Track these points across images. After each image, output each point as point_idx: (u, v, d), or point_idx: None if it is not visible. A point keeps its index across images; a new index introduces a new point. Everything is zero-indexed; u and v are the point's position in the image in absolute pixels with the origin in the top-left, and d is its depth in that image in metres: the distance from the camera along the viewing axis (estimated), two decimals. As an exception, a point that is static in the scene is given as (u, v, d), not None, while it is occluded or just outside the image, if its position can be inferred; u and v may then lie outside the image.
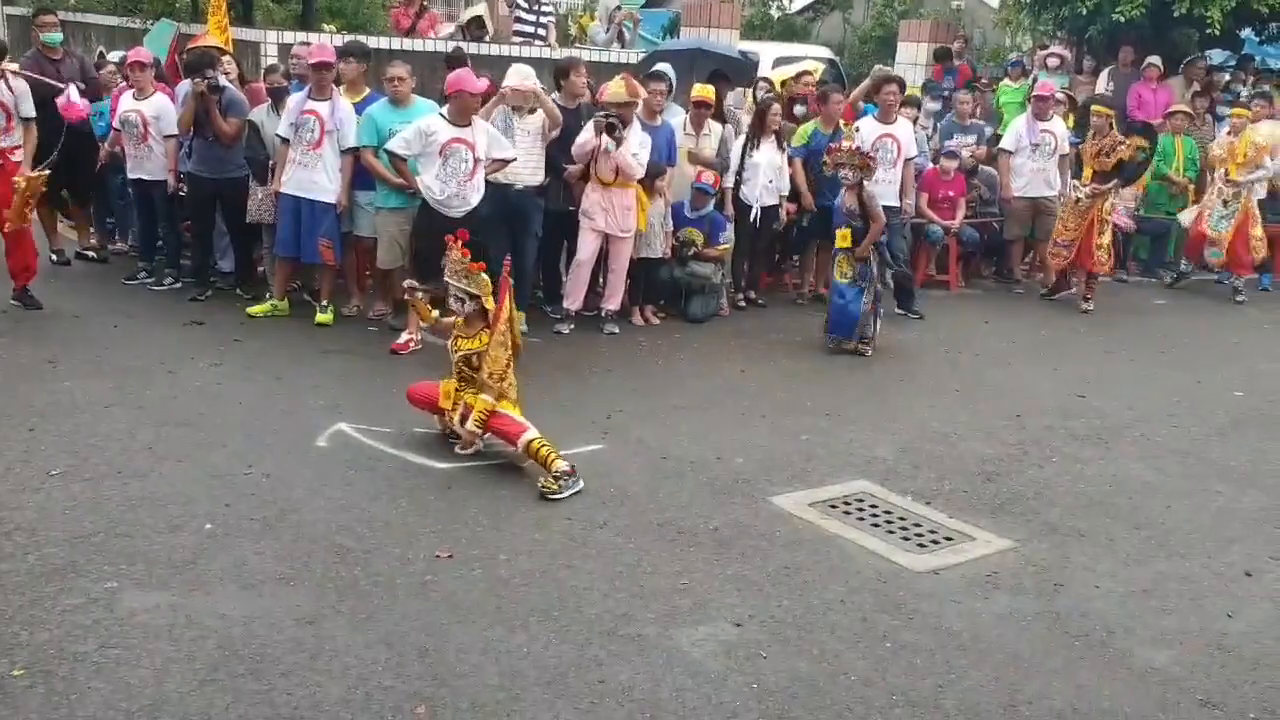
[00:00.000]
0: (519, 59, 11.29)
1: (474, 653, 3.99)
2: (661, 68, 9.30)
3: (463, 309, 5.78)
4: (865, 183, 8.18)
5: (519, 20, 13.04)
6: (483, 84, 7.49)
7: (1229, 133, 10.80)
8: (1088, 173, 9.86)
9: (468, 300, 5.75)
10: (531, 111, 8.08)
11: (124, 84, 9.07)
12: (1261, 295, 11.22)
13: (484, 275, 5.72)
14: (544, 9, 13.09)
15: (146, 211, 9.06)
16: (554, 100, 8.39)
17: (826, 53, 18.00)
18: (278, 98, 8.16)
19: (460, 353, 5.80)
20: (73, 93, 8.69)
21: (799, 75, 11.40)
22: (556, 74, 8.73)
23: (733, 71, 10.98)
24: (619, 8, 13.50)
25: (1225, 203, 10.62)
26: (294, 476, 5.43)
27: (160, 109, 8.63)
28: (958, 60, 14.24)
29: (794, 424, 6.63)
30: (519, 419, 5.67)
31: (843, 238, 8.19)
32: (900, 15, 19.55)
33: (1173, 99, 12.41)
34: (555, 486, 5.35)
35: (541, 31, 12.91)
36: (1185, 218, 11.10)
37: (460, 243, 5.76)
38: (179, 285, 8.91)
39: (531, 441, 5.52)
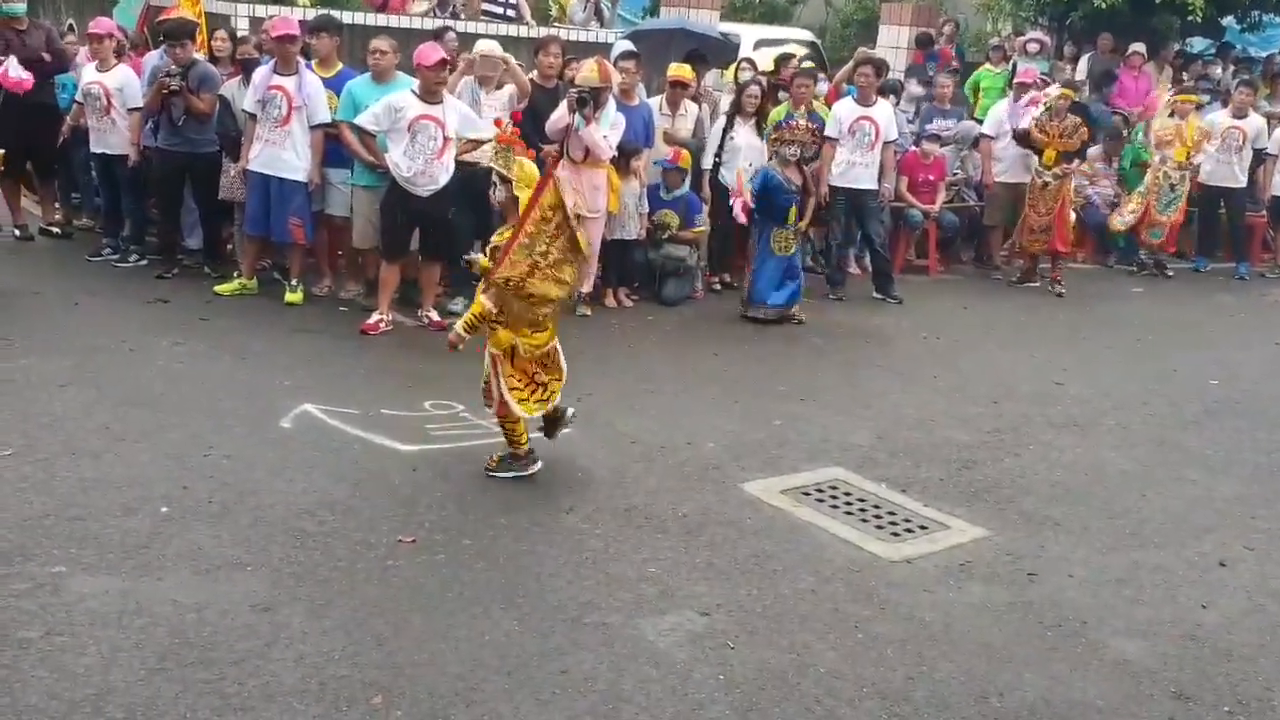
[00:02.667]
0: (496, 37, 11.15)
1: (434, 640, 3.88)
2: (625, 45, 9.19)
3: (494, 195, 5.22)
4: (810, 159, 8.50)
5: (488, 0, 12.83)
6: (437, 54, 7.29)
7: (1172, 114, 10.78)
8: (1050, 154, 9.83)
9: (498, 185, 5.18)
10: (499, 86, 7.94)
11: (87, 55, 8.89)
12: (1238, 284, 11.20)
13: (525, 161, 5.05)
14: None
15: (110, 187, 8.86)
16: (531, 79, 8.28)
17: (808, 35, 17.88)
18: (248, 70, 7.97)
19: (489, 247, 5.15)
20: (11, 64, 8.49)
21: (785, 59, 11.30)
22: (535, 51, 8.61)
23: (712, 52, 10.87)
24: (594, -15, 13.33)
25: (1173, 186, 10.70)
26: (255, 458, 5.30)
27: (124, 81, 8.44)
28: (944, 44, 14.17)
29: (767, 409, 6.54)
30: (506, 390, 5.08)
31: (794, 215, 8.36)
32: (882, -2, 19.41)
33: (1153, 85, 12.37)
34: (495, 465, 5.26)
35: (511, 12, 12.71)
36: (1117, 222, 11.06)
37: (511, 122, 5.26)
38: (144, 262, 8.73)
39: (505, 412, 5.17)
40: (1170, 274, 11.09)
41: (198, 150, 8.28)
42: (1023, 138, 10.05)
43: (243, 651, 3.73)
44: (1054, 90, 10.31)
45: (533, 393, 5.24)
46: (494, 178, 5.24)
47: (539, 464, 5.30)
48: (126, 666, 3.60)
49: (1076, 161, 10.03)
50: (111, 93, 8.43)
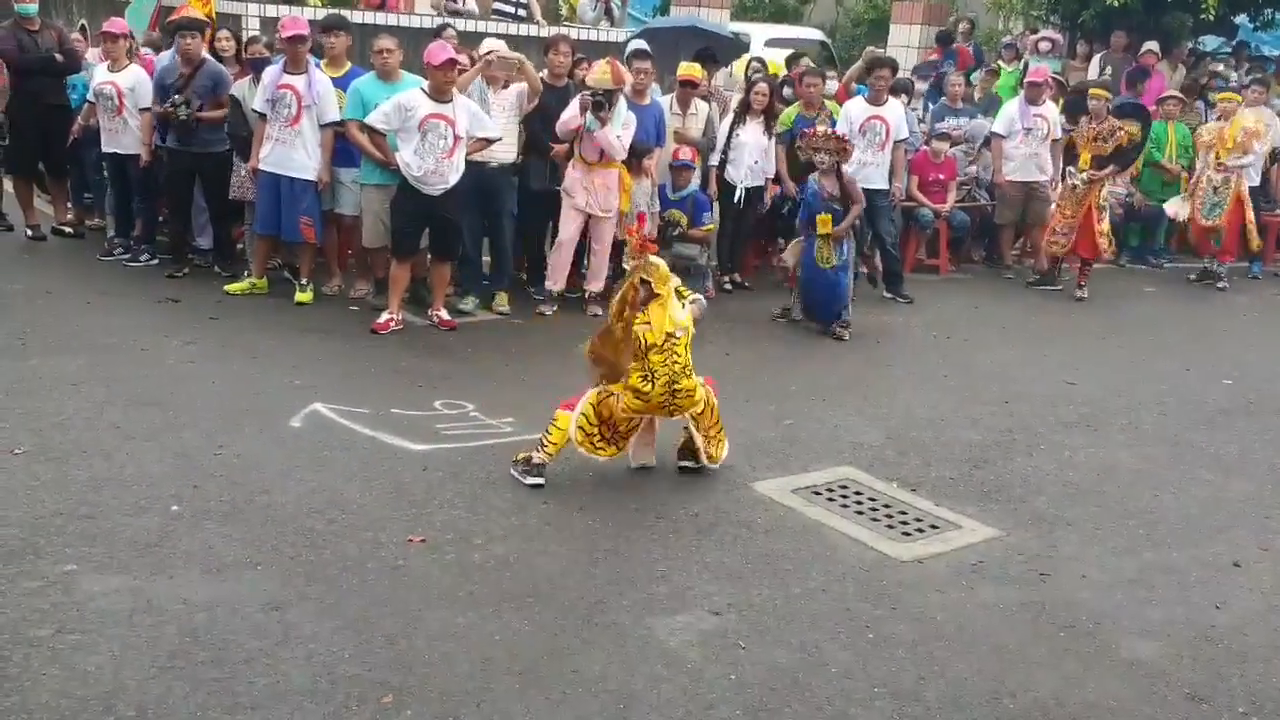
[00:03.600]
0: (505, 36, 11.15)
1: (444, 640, 3.87)
2: (638, 43, 9.17)
3: (638, 296, 5.30)
4: (843, 165, 8.14)
5: (499, -1, 12.84)
6: (446, 54, 7.28)
7: (1218, 118, 10.69)
8: (1085, 158, 9.74)
9: (640, 288, 5.27)
10: (505, 85, 7.94)
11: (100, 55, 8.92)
12: (1251, 283, 11.15)
13: (659, 261, 5.21)
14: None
15: (122, 186, 8.88)
16: (540, 78, 8.29)
17: (818, 34, 17.88)
18: (259, 70, 7.98)
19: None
20: None
21: (795, 58, 11.29)
22: (545, 50, 8.61)
23: (722, 51, 10.86)
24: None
25: (1215, 189, 10.51)
26: (265, 458, 5.30)
27: (136, 81, 8.47)
28: (960, 43, 14.13)
29: (778, 408, 6.52)
30: (584, 408, 5.25)
31: (823, 223, 8.08)
32: (893, -2, 19.39)
33: (1165, 85, 12.31)
34: (517, 459, 5.26)
35: (522, 11, 12.72)
36: (1170, 208, 10.96)
37: (640, 230, 5.45)
38: (155, 262, 8.76)
39: (559, 422, 5.25)
40: (1224, 286, 10.71)
41: (208, 150, 8.32)
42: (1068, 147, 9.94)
43: (253, 650, 3.73)
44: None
45: (600, 437, 5.28)
46: (636, 282, 5.29)
47: (540, 483, 5.18)
48: (137, 665, 3.60)
49: (1111, 168, 9.77)
50: (124, 93, 8.45)
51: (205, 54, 8.38)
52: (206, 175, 8.42)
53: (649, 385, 5.15)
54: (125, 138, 8.57)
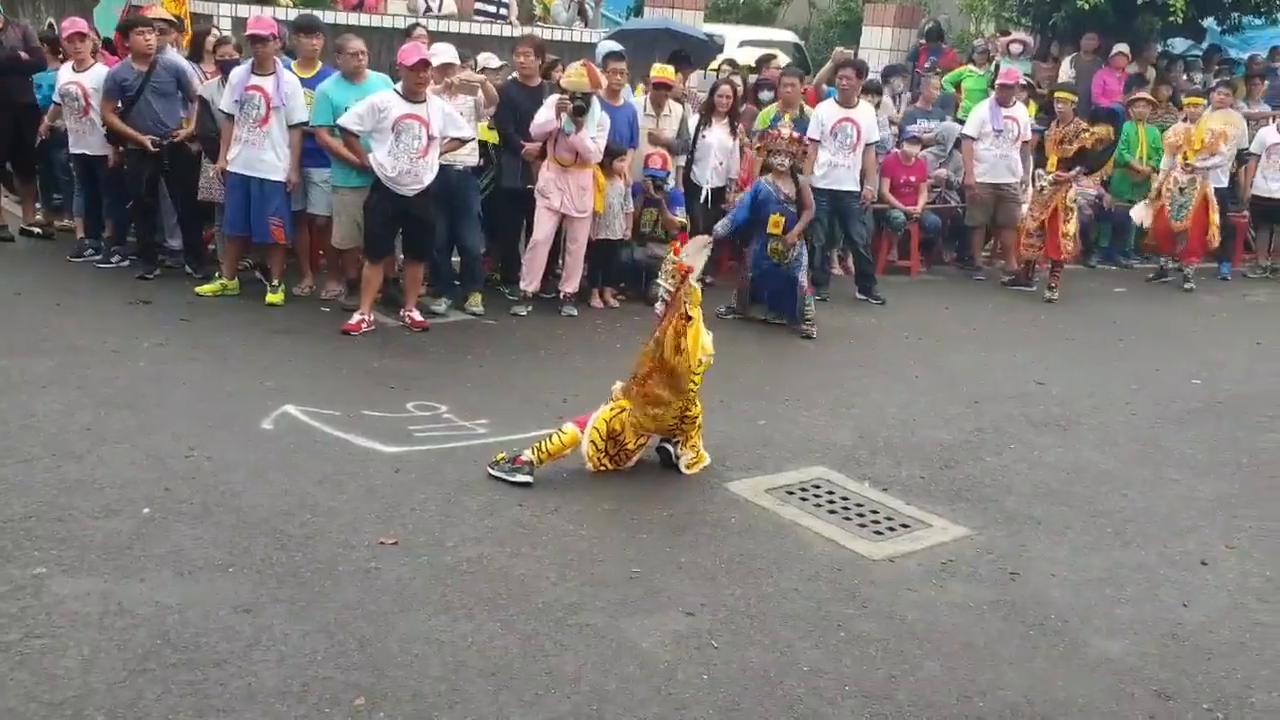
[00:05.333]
0: (480, 37, 11.14)
1: (417, 642, 3.87)
2: (610, 45, 9.19)
3: (663, 309, 5.34)
4: (799, 171, 8.26)
5: (481, -1, 12.85)
6: (418, 54, 7.25)
7: (1184, 120, 10.80)
8: (1053, 160, 9.82)
9: (668, 300, 5.30)
10: (470, 92, 7.95)
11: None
12: (1220, 284, 11.27)
13: (692, 280, 5.18)
14: (506, -13, 12.90)
15: (90, 187, 8.81)
16: (513, 79, 8.31)
17: (792, 36, 17.95)
18: (227, 71, 7.93)
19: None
20: None
21: (767, 59, 11.33)
22: (512, 51, 8.65)
23: (696, 53, 10.90)
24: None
25: (1181, 190, 10.62)
26: (237, 460, 5.27)
27: (101, 81, 8.37)
28: (944, 44, 14.24)
29: (752, 409, 6.55)
30: (596, 424, 5.34)
31: (774, 224, 8.19)
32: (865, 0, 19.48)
33: (1136, 86, 12.42)
34: (498, 460, 5.27)
35: (504, 10, 12.73)
36: (1136, 214, 11.06)
37: (678, 243, 5.46)
38: (126, 263, 8.70)
39: (564, 436, 5.29)
40: (1191, 286, 10.81)
41: (174, 150, 8.20)
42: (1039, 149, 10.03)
43: (224, 653, 3.71)
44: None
45: (607, 451, 5.36)
46: (663, 294, 5.35)
47: (529, 480, 5.19)
48: (107, 668, 3.58)
49: (1077, 169, 9.86)
50: (89, 93, 8.38)
51: (174, 50, 8.30)
52: (173, 175, 8.33)
53: (677, 403, 5.28)
54: (92, 138, 8.50)
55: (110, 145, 8.42)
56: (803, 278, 8.31)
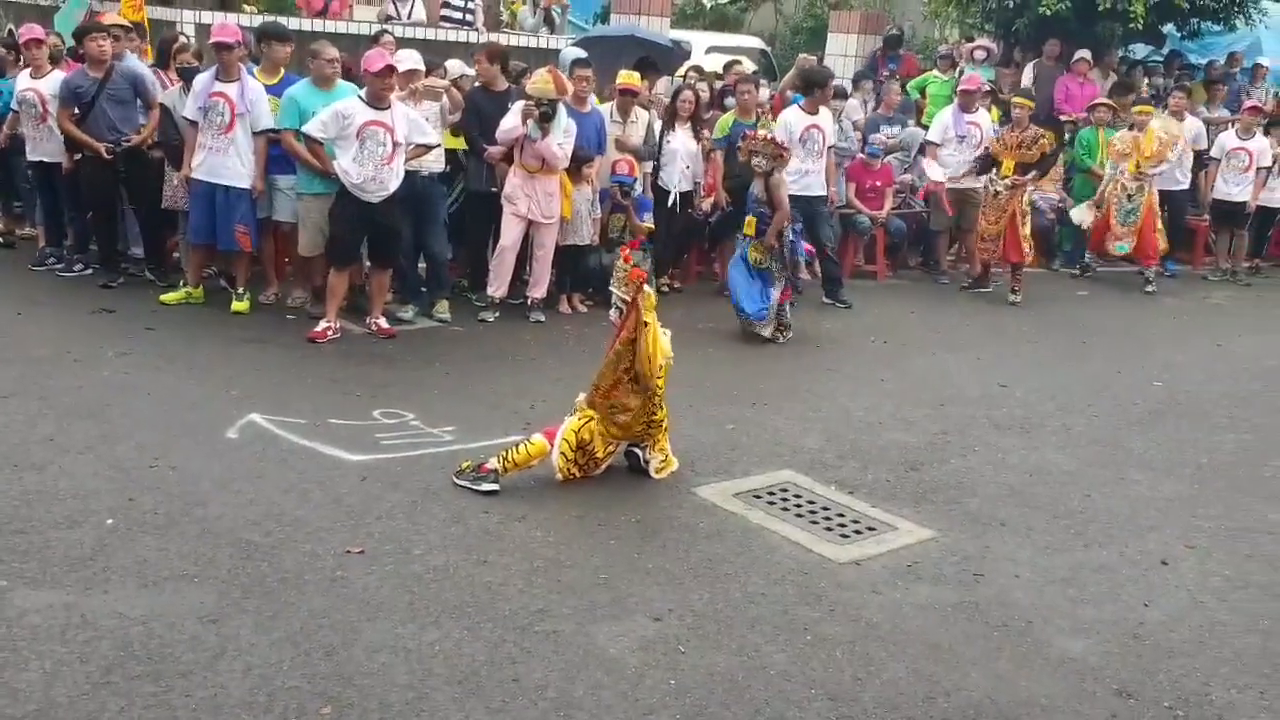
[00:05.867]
0: (447, 44, 11.14)
1: (383, 651, 3.86)
2: (573, 52, 9.22)
3: (618, 317, 5.39)
4: (776, 172, 8.23)
5: (446, 5, 12.85)
6: (382, 60, 7.24)
7: (1130, 127, 10.95)
8: (1007, 166, 9.92)
9: (623, 308, 5.34)
10: (435, 98, 7.95)
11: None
12: (1180, 287, 11.43)
13: (646, 287, 5.24)
14: (471, -7, 12.91)
15: (49, 195, 8.73)
16: (477, 85, 8.32)
17: (758, 43, 18.03)
18: (188, 79, 7.89)
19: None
20: None
21: (731, 66, 11.37)
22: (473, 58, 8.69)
23: (663, 60, 10.93)
24: (542, -11, 13.42)
25: (1130, 196, 10.79)
26: (202, 470, 5.24)
27: (59, 87, 8.29)
28: (903, 50, 14.35)
29: (720, 413, 6.58)
30: (565, 435, 5.31)
31: (748, 225, 8.26)
32: (831, 6, 19.61)
33: (1098, 92, 12.57)
34: (463, 468, 5.27)
35: (470, 17, 12.74)
36: (1076, 215, 11.22)
37: (629, 250, 5.51)
38: (89, 271, 8.62)
39: (532, 447, 5.28)
40: (1152, 289, 11.00)
41: (134, 156, 8.13)
42: (985, 164, 10.08)
43: (190, 664, 3.69)
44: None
45: (577, 461, 5.36)
46: (616, 302, 5.41)
47: (495, 489, 5.18)
48: (70, 681, 3.55)
49: (1033, 174, 10.00)
50: (47, 99, 8.29)
51: (135, 57, 8.24)
52: (132, 183, 8.26)
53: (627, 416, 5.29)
54: (50, 145, 8.42)
55: (66, 152, 8.34)
56: (775, 292, 8.25)
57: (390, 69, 7.21)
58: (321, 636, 3.92)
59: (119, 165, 8.08)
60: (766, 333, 8.26)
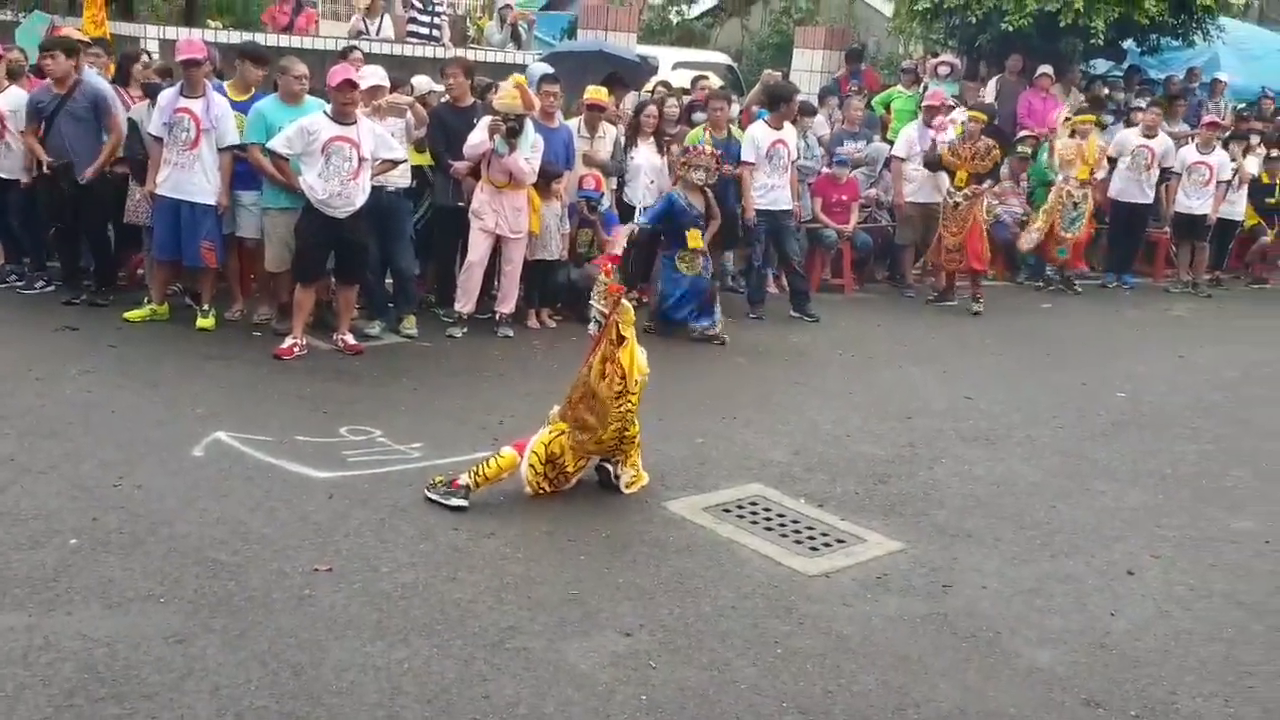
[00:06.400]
0: (415, 59, 11.13)
1: (352, 670, 3.83)
2: (541, 68, 9.25)
3: (597, 331, 5.40)
4: (709, 187, 8.59)
5: (413, 21, 12.86)
6: (343, 74, 7.23)
7: (1072, 135, 11.14)
8: (961, 177, 10.03)
9: (602, 322, 5.37)
10: (399, 115, 7.94)
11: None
12: (1142, 299, 11.58)
13: (625, 301, 5.27)
14: (438, 9, 12.92)
15: (7, 212, 8.60)
16: (444, 100, 8.32)
17: (725, 58, 18.10)
18: (152, 94, 7.83)
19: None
20: None
21: (697, 81, 11.42)
22: (441, 73, 8.69)
23: (630, 75, 10.96)
24: (507, 6, 13.44)
25: (1075, 204, 11.03)
26: (167, 488, 5.19)
27: (17, 103, 8.20)
28: (864, 64, 14.47)
29: (689, 427, 6.58)
30: (535, 448, 5.30)
31: (694, 238, 8.51)
32: (796, 22, 19.74)
33: (1060, 106, 12.73)
34: (435, 482, 5.26)
35: (436, 33, 12.75)
36: (1024, 244, 11.38)
37: (610, 264, 5.57)
38: (51, 289, 8.52)
39: (502, 460, 5.27)
40: (1079, 290, 11.37)
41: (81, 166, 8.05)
42: (933, 163, 10.23)
43: (155, 685, 3.65)
44: (959, 114, 10.58)
45: (546, 475, 5.35)
46: (595, 315, 5.46)
47: (464, 505, 5.16)
48: (32, 705, 3.50)
49: (988, 183, 10.20)
50: (5, 115, 8.21)
51: (96, 72, 8.17)
52: (88, 198, 8.14)
53: (605, 431, 5.26)
54: (7, 161, 8.33)
55: (25, 169, 8.25)
56: (708, 285, 8.63)
57: (349, 83, 7.18)
58: (289, 655, 3.88)
59: (61, 182, 7.95)
60: (716, 330, 8.58)
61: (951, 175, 10.09)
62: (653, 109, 9.42)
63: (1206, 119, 12.49)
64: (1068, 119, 11.81)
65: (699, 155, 8.53)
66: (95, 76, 8.27)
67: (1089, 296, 11.37)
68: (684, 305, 8.58)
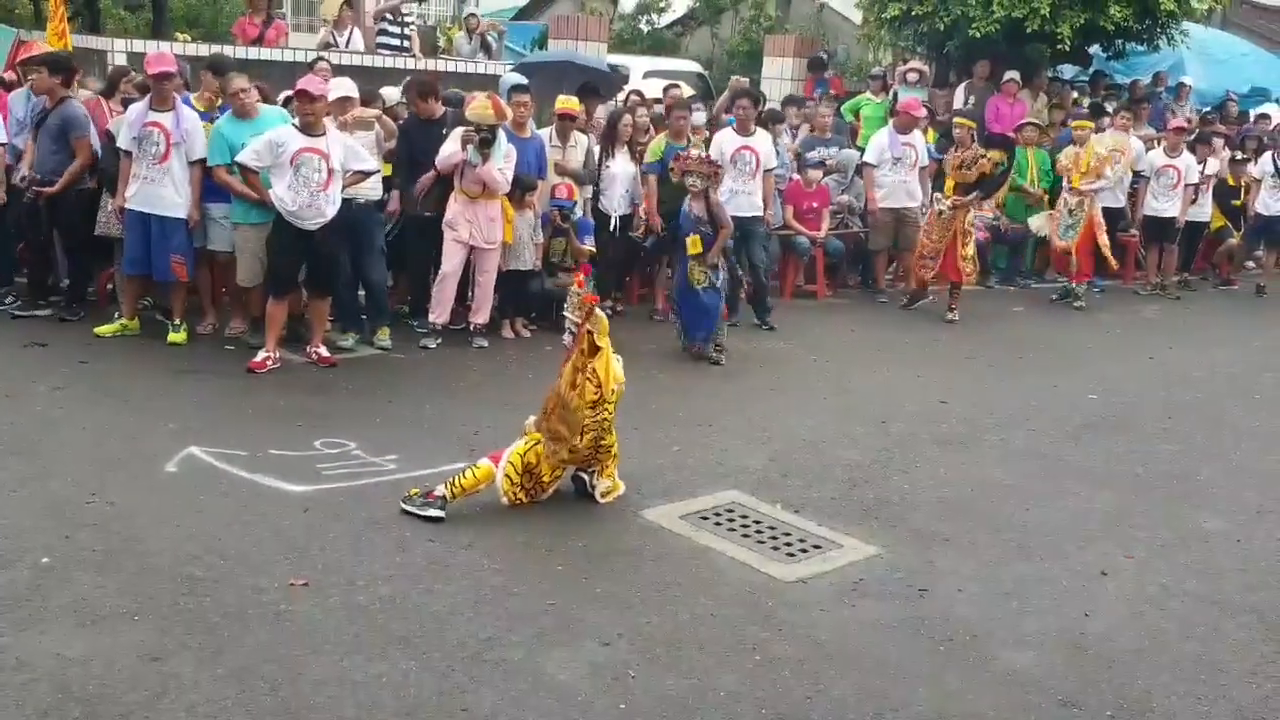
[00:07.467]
0: (385, 70, 11.10)
1: (329, 684, 3.81)
2: (513, 78, 9.25)
3: (572, 341, 5.35)
4: (711, 191, 8.30)
5: (383, 33, 12.86)
6: (301, 84, 7.23)
7: (1073, 143, 11.20)
8: (950, 185, 10.08)
9: (576, 332, 5.31)
10: (367, 128, 7.93)
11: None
12: (1112, 301, 11.65)
13: (599, 311, 5.26)
14: (407, 20, 12.93)
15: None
16: (411, 113, 8.33)
17: (696, 66, 18.18)
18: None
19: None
20: None
21: (667, 89, 11.46)
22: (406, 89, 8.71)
23: (602, 85, 10.99)
24: (471, 15, 13.46)
25: (1070, 212, 11.03)
26: (140, 505, 5.15)
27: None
28: (828, 72, 14.55)
29: (665, 435, 6.59)
30: (511, 458, 5.31)
31: (693, 244, 8.27)
32: (766, 30, 19.83)
33: (1028, 112, 12.84)
34: (411, 494, 5.24)
35: (406, 44, 12.75)
36: (1034, 222, 11.45)
37: (582, 274, 5.53)
38: (18, 304, 8.44)
39: (479, 471, 5.27)
40: (1081, 305, 11.15)
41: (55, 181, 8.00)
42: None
43: (130, 704, 3.62)
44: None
45: (522, 485, 5.34)
46: (569, 326, 5.40)
47: (440, 516, 5.15)
48: (5, 726, 3.47)
49: (975, 194, 10.09)
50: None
51: (68, 94, 8.12)
52: (61, 211, 8.07)
53: (580, 440, 5.25)
54: None
55: None
56: (718, 301, 8.35)
57: (305, 93, 7.14)
58: (266, 671, 3.86)
59: (27, 195, 7.89)
60: (710, 353, 8.31)
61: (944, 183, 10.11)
62: (629, 118, 9.43)
63: (1173, 123, 12.61)
64: (1023, 126, 11.88)
65: (689, 161, 8.30)
66: (75, 102, 8.16)
67: (1062, 301, 11.38)
68: (698, 324, 8.34)
